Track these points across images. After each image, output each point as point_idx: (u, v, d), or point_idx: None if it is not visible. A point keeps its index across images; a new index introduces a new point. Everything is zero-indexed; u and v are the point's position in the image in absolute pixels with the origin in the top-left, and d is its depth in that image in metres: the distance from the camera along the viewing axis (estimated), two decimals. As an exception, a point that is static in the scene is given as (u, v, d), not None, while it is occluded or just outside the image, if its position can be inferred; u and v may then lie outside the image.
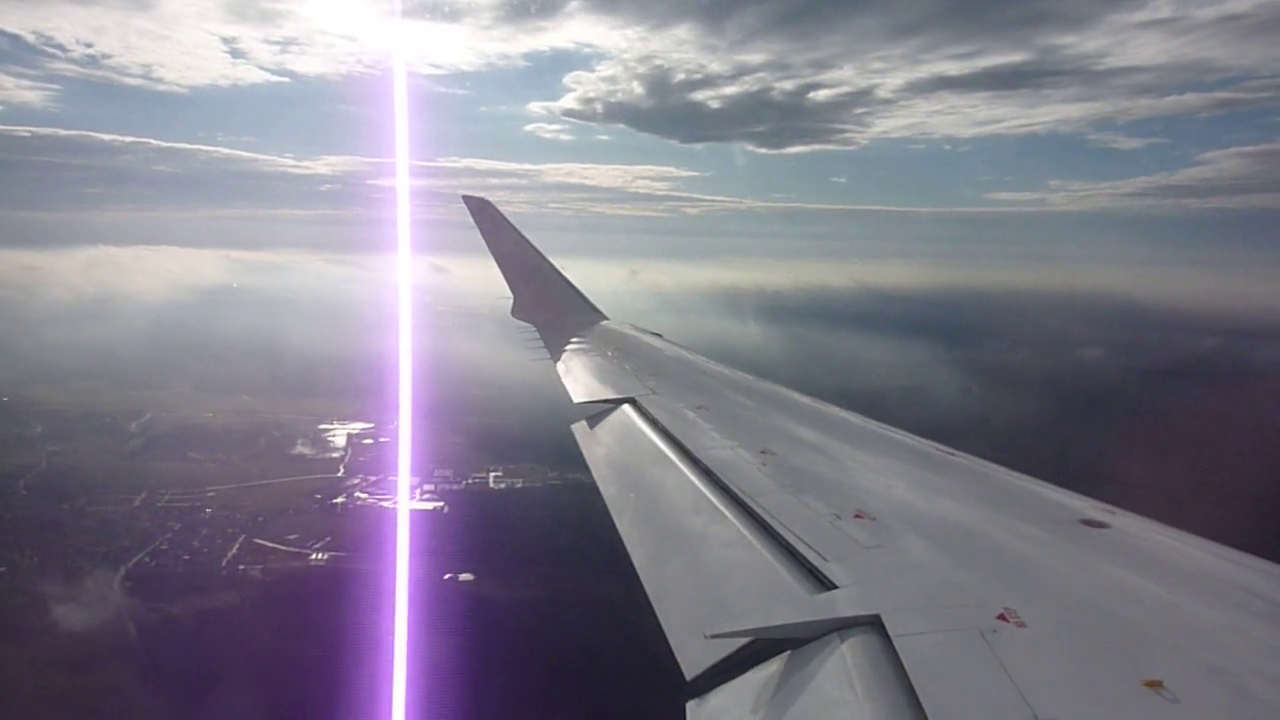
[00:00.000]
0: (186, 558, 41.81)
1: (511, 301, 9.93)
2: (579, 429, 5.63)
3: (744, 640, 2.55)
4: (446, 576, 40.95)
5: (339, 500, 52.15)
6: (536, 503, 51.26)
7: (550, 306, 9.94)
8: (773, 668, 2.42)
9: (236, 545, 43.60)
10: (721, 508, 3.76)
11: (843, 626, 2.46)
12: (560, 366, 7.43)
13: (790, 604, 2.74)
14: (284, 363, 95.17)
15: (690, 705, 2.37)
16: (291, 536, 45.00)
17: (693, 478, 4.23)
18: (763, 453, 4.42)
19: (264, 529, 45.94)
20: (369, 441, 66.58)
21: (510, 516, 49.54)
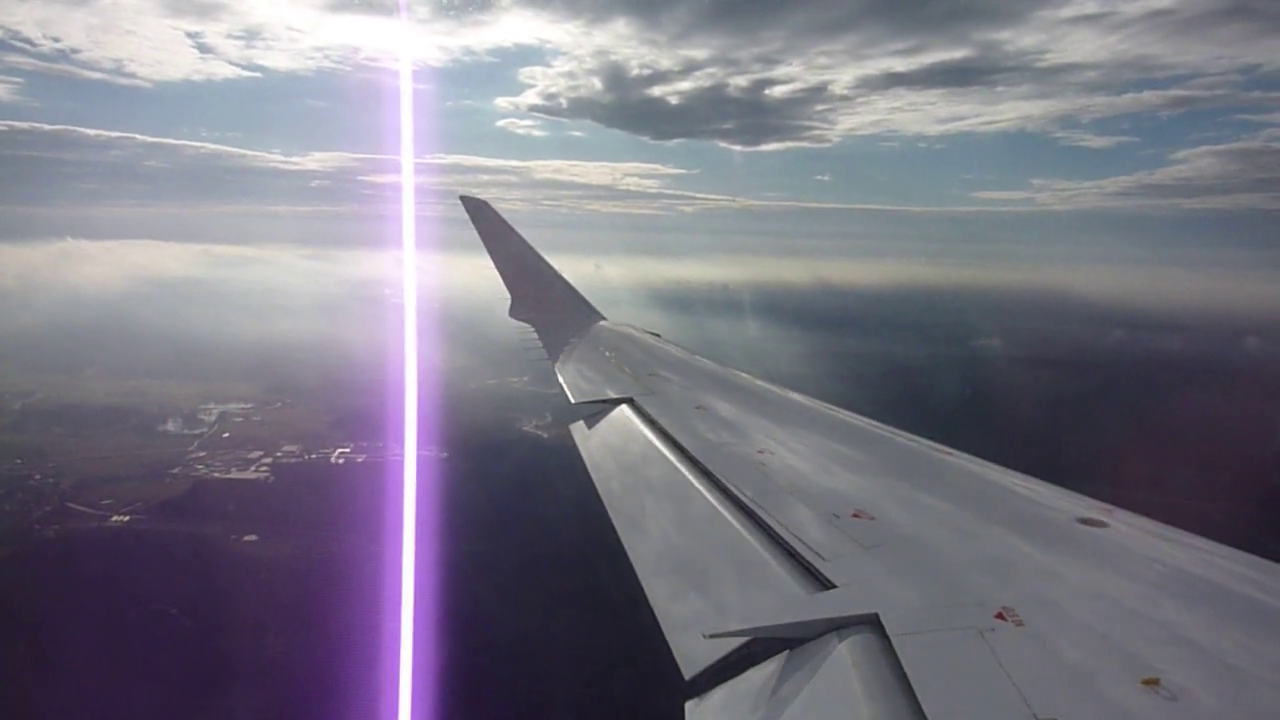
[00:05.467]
0: (-9, 519, 44.30)
1: (510, 301, 9.92)
2: (576, 429, 5.67)
3: (742, 640, 2.58)
4: (233, 538, 43.64)
5: (175, 471, 54.58)
6: (362, 477, 53.67)
7: (548, 306, 9.89)
8: (771, 667, 2.44)
9: (47, 508, 46.05)
10: (719, 507, 3.77)
11: (841, 626, 2.47)
12: (558, 366, 7.45)
13: (788, 603, 2.77)
14: (202, 349, 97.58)
15: (689, 705, 2.41)
16: (106, 502, 47.39)
17: (690, 477, 4.24)
18: (760, 452, 4.44)
19: (83, 495, 48.31)
20: (240, 420, 69.04)
21: (328, 488, 51.98)
